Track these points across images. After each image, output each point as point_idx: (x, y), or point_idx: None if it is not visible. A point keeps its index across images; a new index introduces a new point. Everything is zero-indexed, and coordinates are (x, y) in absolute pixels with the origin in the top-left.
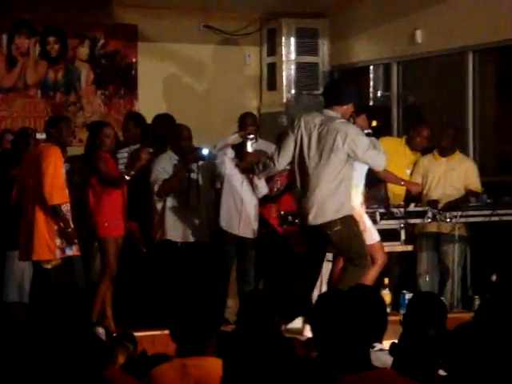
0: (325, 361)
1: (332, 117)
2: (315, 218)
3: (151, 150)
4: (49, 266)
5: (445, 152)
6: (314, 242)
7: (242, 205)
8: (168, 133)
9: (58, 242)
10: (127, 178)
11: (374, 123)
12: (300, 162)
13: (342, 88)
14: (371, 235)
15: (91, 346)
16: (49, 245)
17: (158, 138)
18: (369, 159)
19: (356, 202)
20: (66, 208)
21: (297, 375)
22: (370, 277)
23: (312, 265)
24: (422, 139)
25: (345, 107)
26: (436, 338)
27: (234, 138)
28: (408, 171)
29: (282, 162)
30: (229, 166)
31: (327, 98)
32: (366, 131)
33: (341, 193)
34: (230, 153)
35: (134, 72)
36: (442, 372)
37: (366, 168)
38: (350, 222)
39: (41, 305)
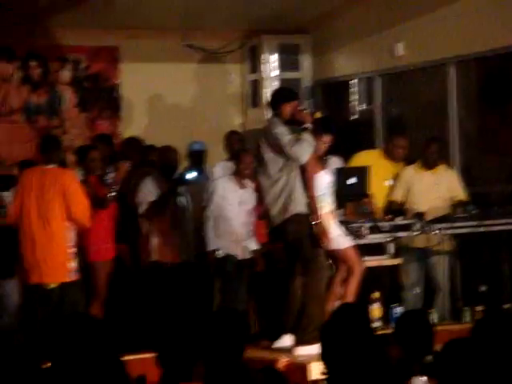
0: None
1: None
2: (274, 219)
3: (129, 163)
4: (52, 286)
5: (429, 165)
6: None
7: (238, 227)
8: (137, 156)
9: (73, 264)
10: (111, 195)
11: (318, 115)
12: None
13: (273, 95)
14: (342, 241)
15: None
16: (66, 266)
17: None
18: (289, 152)
19: (323, 211)
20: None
21: None
22: (351, 288)
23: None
24: (400, 150)
25: (279, 111)
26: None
27: (224, 168)
28: (387, 183)
29: None
30: (225, 188)
31: (270, 109)
32: (304, 125)
33: (286, 195)
34: (218, 173)
35: (117, 93)
36: None
37: (326, 182)
38: (301, 222)
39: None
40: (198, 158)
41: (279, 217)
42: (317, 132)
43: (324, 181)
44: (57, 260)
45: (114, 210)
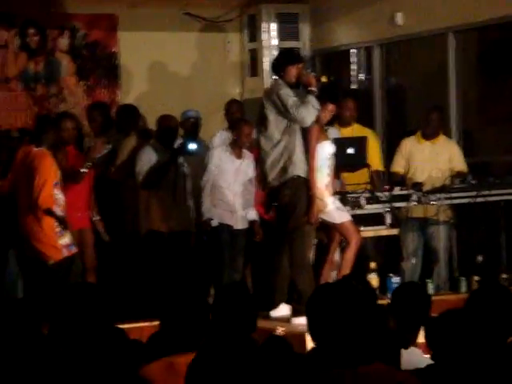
0: (322, 354)
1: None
2: (273, 181)
3: (106, 141)
4: (51, 262)
5: (429, 135)
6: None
7: (233, 197)
8: (130, 124)
9: (62, 241)
10: (84, 170)
11: (324, 79)
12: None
13: (278, 56)
14: (339, 215)
15: (122, 345)
16: (57, 246)
17: (122, 128)
18: (294, 114)
19: (320, 183)
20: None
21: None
22: (347, 259)
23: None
24: (349, 112)
25: (283, 73)
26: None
27: (224, 138)
28: None
29: None
30: (221, 158)
31: (272, 68)
32: (310, 88)
33: (286, 157)
34: (217, 142)
35: (115, 62)
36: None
37: (327, 152)
38: (299, 186)
39: (64, 302)
40: (192, 126)
41: (278, 179)
42: (321, 99)
43: (326, 151)
44: (46, 242)
45: (89, 182)
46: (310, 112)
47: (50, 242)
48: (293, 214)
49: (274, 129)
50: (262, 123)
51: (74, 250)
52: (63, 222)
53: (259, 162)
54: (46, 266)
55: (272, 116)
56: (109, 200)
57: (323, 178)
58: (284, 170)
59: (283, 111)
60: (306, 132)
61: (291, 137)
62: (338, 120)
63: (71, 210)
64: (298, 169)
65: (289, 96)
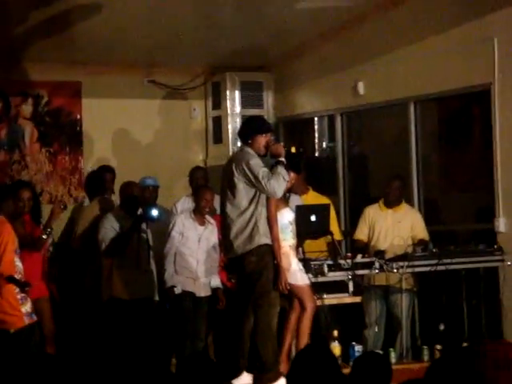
0: None
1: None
2: (237, 249)
3: (64, 204)
4: (13, 330)
5: (391, 203)
6: (239, 281)
7: (197, 264)
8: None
9: (23, 309)
10: (45, 236)
11: (293, 149)
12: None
13: (246, 124)
14: (301, 277)
15: None
16: (16, 313)
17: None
18: (265, 186)
19: (284, 244)
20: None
21: None
22: (304, 326)
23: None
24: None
25: (251, 142)
26: None
27: (188, 204)
28: None
29: None
30: (184, 224)
31: (239, 136)
32: (279, 159)
33: (253, 225)
34: (180, 207)
35: (78, 128)
36: None
37: (287, 219)
38: (265, 254)
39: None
40: (150, 194)
41: (243, 247)
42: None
43: (286, 218)
44: (7, 311)
45: (44, 251)
46: (280, 184)
47: (11, 310)
48: (259, 282)
49: (242, 197)
50: (229, 190)
51: (35, 318)
52: (24, 290)
53: (223, 228)
54: (8, 334)
55: (241, 184)
56: (70, 268)
57: (288, 240)
58: (250, 238)
59: (253, 181)
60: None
61: (258, 206)
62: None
63: (28, 279)
64: (265, 238)
65: (259, 167)
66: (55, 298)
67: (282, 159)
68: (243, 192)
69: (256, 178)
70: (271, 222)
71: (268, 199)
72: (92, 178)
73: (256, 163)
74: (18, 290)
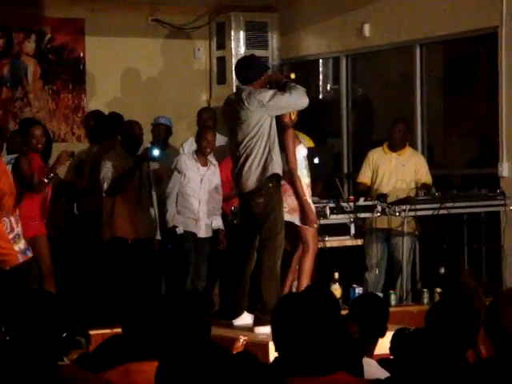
0: (285, 364)
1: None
2: (243, 187)
3: (71, 152)
4: (8, 268)
5: (395, 147)
6: (244, 221)
7: (199, 205)
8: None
9: (16, 247)
10: (46, 180)
11: (293, 76)
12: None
13: (246, 66)
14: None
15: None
16: (10, 252)
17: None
18: (280, 102)
19: (302, 180)
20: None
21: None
22: (306, 267)
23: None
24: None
25: (256, 83)
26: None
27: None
28: None
29: None
30: (186, 165)
31: (240, 78)
32: (285, 80)
33: (265, 156)
34: (187, 148)
35: (82, 66)
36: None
37: (302, 155)
38: (273, 195)
39: (20, 311)
40: (161, 133)
41: (259, 180)
42: None
43: (301, 154)
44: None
45: (47, 192)
46: (301, 93)
47: (3, 250)
48: (265, 224)
49: (253, 127)
50: (239, 127)
51: (30, 254)
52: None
53: (234, 166)
54: (4, 271)
55: (254, 116)
56: (73, 208)
57: (304, 178)
58: (265, 168)
59: (274, 100)
60: (280, 135)
61: (270, 137)
62: None
63: (26, 219)
64: (277, 166)
65: (267, 92)
66: (52, 238)
67: (292, 77)
68: (255, 122)
69: (274, 95)
70: (290, 155)
71: (286, 133)
72: (102, 122)
73: (262, 92)
74: (8, 229)
